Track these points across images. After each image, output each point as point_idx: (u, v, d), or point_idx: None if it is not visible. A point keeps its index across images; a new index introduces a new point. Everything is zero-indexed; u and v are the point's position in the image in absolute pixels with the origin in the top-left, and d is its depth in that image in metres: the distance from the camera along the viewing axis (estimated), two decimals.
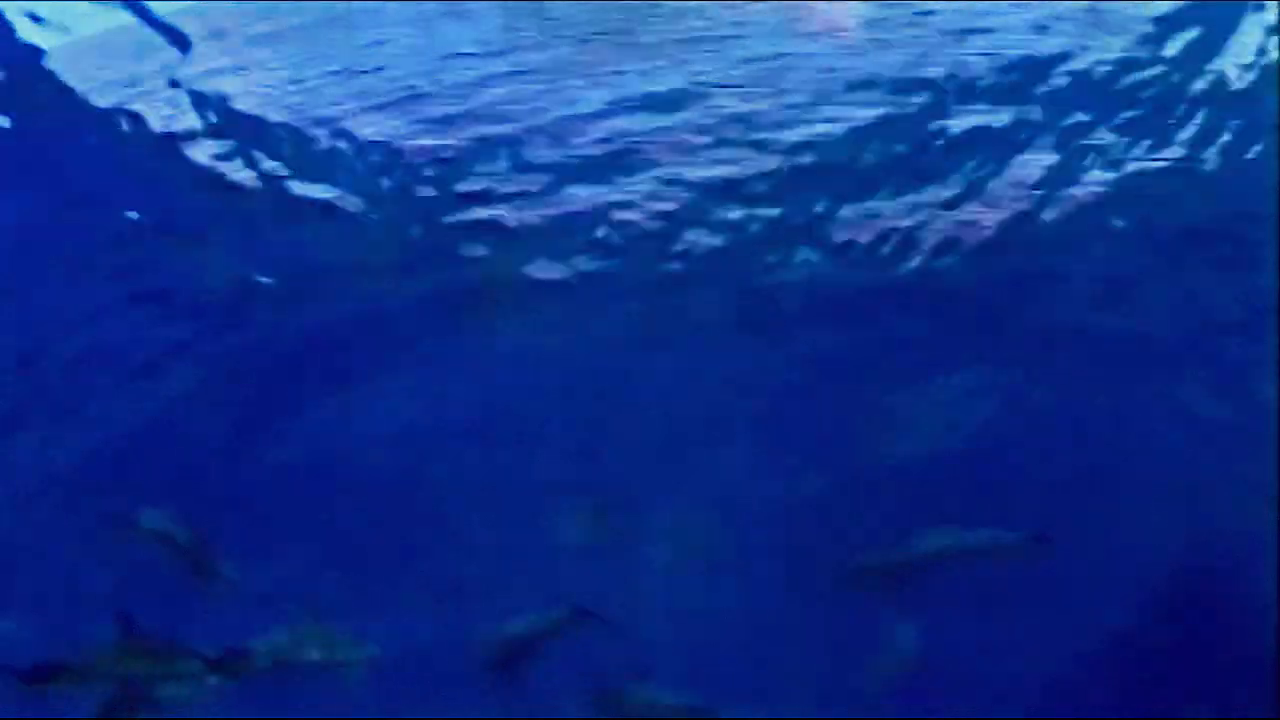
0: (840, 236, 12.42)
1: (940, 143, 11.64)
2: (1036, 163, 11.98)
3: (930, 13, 10.22)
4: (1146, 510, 15.65)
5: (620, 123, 11.05)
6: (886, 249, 12.61)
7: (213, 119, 10.90)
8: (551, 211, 12.39)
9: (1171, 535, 15.73)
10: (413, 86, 10.89)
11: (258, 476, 13.88)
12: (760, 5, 9.97)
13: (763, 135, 11.32)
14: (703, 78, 10.84)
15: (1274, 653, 13.39)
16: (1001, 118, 11.56)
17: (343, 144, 11.33)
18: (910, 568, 9.90)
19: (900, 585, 9.94)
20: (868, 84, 10.86)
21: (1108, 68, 10.73)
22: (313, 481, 14.80)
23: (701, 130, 11.24)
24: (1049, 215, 12.19)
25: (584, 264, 12.95)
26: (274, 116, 10.95)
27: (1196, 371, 14.28)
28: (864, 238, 12.41)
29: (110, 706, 7.71)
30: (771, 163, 11.68)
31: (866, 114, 11.09)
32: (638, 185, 11.97)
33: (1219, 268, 12.82)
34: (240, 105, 10.89)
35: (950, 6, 10.12)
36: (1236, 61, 10.33)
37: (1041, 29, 10.44)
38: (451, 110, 11.05)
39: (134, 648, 7.87)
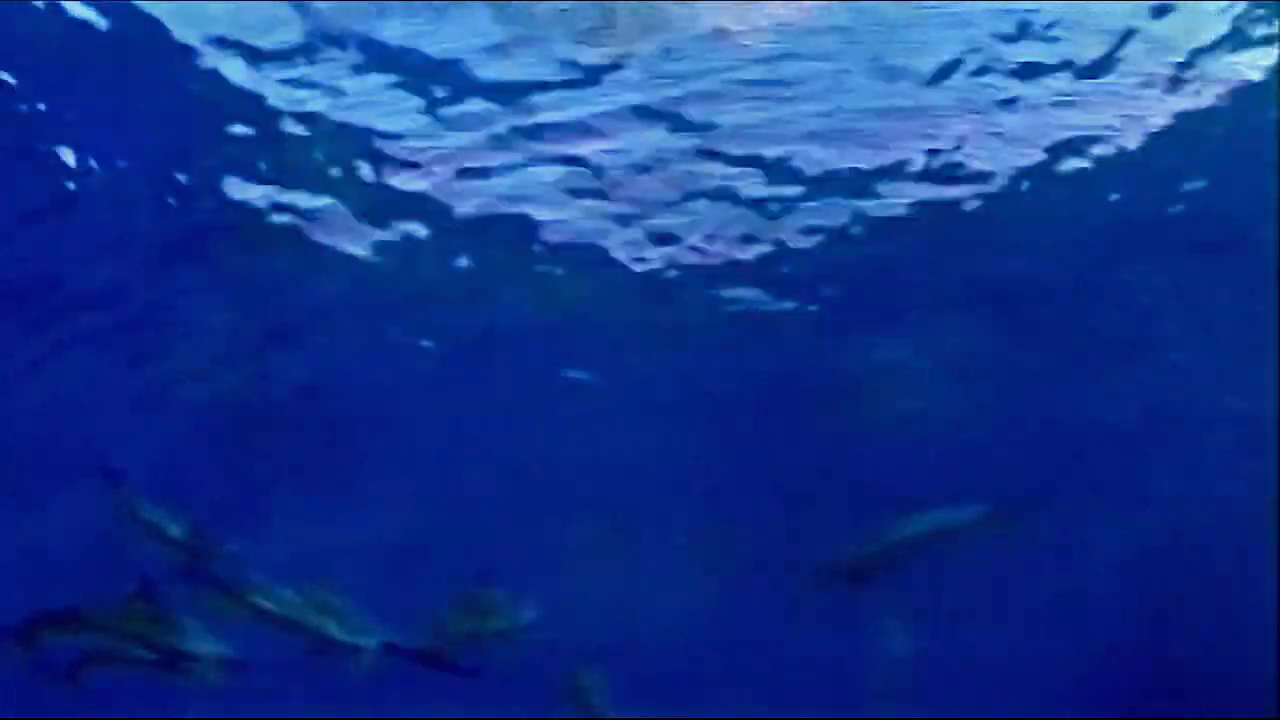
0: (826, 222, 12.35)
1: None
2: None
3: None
4: (1140, 506, 15.67)
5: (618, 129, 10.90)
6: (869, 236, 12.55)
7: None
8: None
9: (1166, 534, 15.74)
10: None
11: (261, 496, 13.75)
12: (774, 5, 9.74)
13: (758, 149, 11.24)
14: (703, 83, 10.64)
15: (1274, 653, 13.42)
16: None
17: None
18: (888, 559, 9.72)
19: (878, 578, 9.77)
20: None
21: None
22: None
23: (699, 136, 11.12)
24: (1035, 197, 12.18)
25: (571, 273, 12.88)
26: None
27: (1190, 371, 14.32)
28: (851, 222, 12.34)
29: (89, 658, 7.78)
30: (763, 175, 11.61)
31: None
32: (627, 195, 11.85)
33: (1215, 262, 12.82)
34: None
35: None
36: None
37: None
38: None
39: (146, 610, 7.85)
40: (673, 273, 13.12)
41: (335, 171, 11.43)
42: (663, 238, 12.55)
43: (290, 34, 9.94)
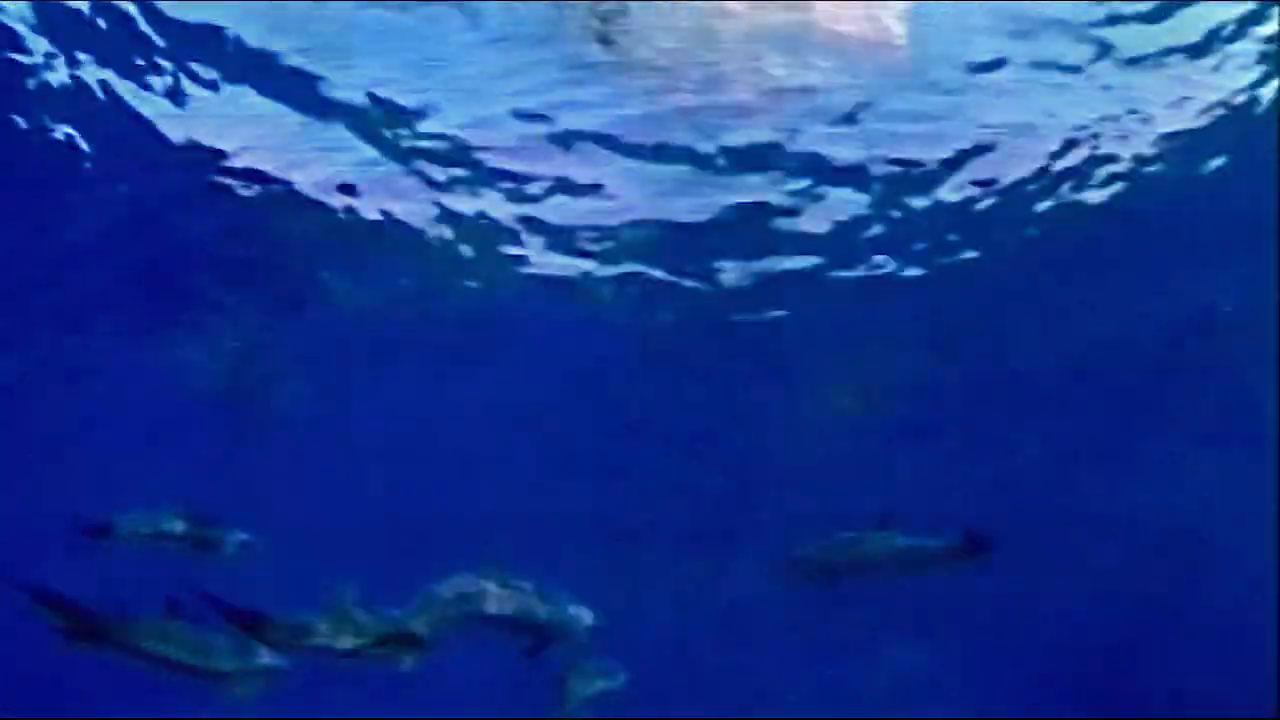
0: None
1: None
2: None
3: None
4: (1137, 506, 15.63)
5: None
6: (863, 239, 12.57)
7: None
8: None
9: (1166, 535, 15.71)
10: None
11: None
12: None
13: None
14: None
15: (1274, 653, 13.43)
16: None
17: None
18: (857, 566, 9.78)
19: (847, 578, 9.83)
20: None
21: None
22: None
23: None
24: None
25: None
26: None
27: (1186, 373, 14.29)
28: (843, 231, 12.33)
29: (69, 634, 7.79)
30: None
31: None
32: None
33: (1213, 265, 12.82)
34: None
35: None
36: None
37: None
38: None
39: (167, 629, 7.87)
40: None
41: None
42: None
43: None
